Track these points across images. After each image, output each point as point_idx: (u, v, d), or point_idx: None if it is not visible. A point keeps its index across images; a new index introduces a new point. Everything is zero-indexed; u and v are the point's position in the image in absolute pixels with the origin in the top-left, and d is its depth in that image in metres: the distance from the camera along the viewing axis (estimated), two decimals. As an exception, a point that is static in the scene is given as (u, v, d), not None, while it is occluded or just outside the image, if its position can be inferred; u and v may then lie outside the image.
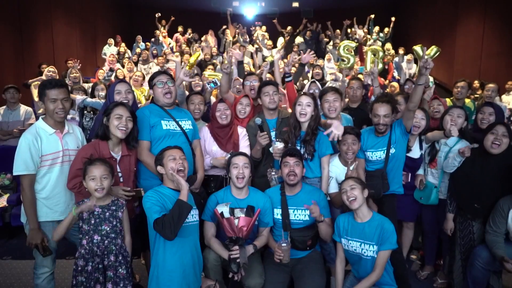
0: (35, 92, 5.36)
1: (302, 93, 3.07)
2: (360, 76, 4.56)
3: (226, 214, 2.33)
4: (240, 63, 3.86)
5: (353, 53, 5.83)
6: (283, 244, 2.42)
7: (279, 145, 2.75)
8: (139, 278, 3.07)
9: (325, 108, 3.02)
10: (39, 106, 5.11)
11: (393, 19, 10.90)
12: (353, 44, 6.00)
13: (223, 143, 2.97)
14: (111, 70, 7.71)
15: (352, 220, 2.43)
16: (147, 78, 6.94)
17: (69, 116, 4.29)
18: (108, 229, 2.16)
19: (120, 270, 2.17)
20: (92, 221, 2.14)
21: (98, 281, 2.10)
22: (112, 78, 7.22)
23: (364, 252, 2.35)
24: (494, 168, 2.62)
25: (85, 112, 4.18)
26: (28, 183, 2.29)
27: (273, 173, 2.74)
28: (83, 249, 2.12)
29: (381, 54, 5.62)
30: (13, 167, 2.29)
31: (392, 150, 2.83)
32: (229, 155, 2.90)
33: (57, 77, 5.33)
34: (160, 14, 11.21)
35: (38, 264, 2.40)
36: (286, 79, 3.73)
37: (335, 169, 2.86)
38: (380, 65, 5.47)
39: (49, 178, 2.35)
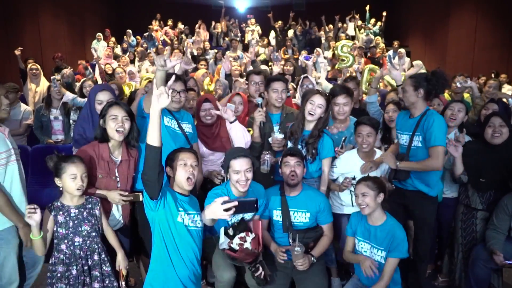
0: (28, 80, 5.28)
1: (316, 90, 2.89)
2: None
3: (234, 246, 2.18)
4: (227, 76, 3.72)
5: (351, 52, 5.74)
6: (296, 249, 2.29)
7: (279, 136, 2.71)
8: (134, 282, 2.99)
9: (334, 111, 2.88)
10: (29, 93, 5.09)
11: (384, 13, 10.78)
12: (350, 43, 5.92)
13: (208, 143, 2.83)
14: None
15: (365, 222, 2.35)
16: (140, 74, 6.83)
17: (52, 116, 4.12)
18: (88, 228, 2.06)
19: (104, 267, 2.11)
20: (70, 224, 2.02)
21: (84, 283, 2.03)
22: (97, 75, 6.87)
23: (373, 256, 2.29)
24: (499, 157, 2.60)
25: (72, 111, 4.05)
26: None
27: (268, 156, 2.64)
28: (62, 254, 2.01)
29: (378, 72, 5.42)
30: None
31: (418, 143, 2.52)
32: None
33: (41, 74, 5.22)
34: (159, 16, 11.04)
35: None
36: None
37: (355, 166, 2.66)
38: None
39: None
